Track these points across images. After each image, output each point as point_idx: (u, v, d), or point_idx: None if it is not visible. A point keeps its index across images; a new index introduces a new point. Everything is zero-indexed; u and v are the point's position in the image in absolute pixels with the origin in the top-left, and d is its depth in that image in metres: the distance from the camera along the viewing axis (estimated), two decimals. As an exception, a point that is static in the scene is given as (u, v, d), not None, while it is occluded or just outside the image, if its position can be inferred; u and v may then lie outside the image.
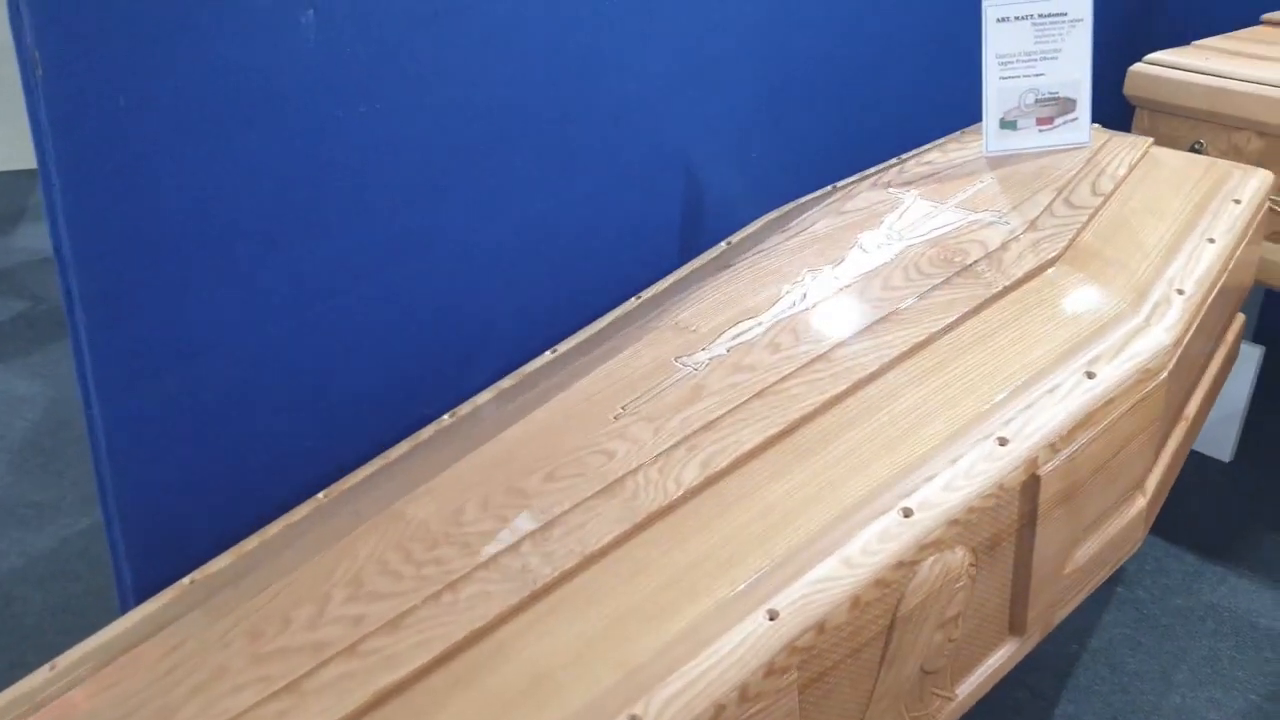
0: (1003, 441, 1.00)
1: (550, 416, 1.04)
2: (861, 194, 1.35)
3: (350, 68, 1.06)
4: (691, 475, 0.95)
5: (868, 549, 0.89)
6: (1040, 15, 1.30)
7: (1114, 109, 1.75)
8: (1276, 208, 1.54)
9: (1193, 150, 1.70)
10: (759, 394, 1.03)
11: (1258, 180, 1.41)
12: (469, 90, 1.18)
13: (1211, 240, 1.29)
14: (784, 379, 1.04)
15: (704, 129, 1.47)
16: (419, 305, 1.20)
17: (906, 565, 0.90)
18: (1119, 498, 1.20)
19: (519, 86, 1.23)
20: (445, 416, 1.16)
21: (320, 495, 1.08)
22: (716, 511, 0.92)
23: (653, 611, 0.84)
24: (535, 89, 1.25)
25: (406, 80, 1.12)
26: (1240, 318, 1.55)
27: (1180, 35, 1.84)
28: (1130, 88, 1.74)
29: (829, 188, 1.49)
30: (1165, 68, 1.72)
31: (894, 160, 1.53)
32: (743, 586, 0.86)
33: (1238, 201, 1.36)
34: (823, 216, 1.32)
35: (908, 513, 0.92)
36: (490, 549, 0.89)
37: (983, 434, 1.01)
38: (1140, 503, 1.23)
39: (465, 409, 1.16)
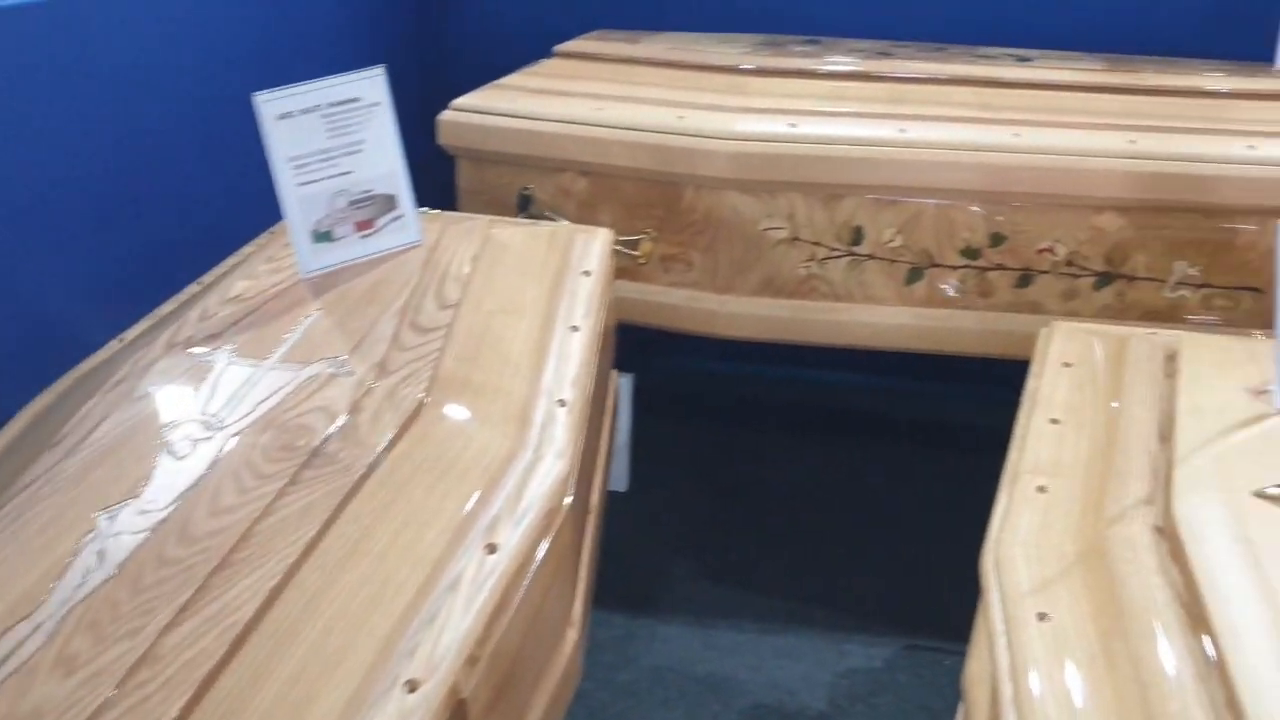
0: (413, 686, 0.77)
1: None
2: (158, 364, 1.01)
3: None
4: None
5: None
6: (330, 105, 1.05)
7: (437, 159, 1.60)
8: (619, 248, 1.48)
9: (522, 196, 1.61)
10: (51, 768, 0.68)
11: (600, 242, 1.31)
12: None
13: (576, 328, 1.16)
14: (89, 723, 0.70)
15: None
16: None
17: None
18: (550, 649, 1.05)
19: None
20: None
21: None
22: None
23: None
24: None
25: None
26: (614, 373, 1.48)
27: (481, 70, 1.73)
28: (445, 137, 1.60)
29: (115, 343, 1.13)
30: (474, 113, 1.59)
31: (194, 286, 1.20)
32: None
33: (588, 274, 1.25)
34: (109, 411, 0.96)
35: None
36: None
37: (386, 684, 0.77)
38: (572, 636, 1.10)
39: None
